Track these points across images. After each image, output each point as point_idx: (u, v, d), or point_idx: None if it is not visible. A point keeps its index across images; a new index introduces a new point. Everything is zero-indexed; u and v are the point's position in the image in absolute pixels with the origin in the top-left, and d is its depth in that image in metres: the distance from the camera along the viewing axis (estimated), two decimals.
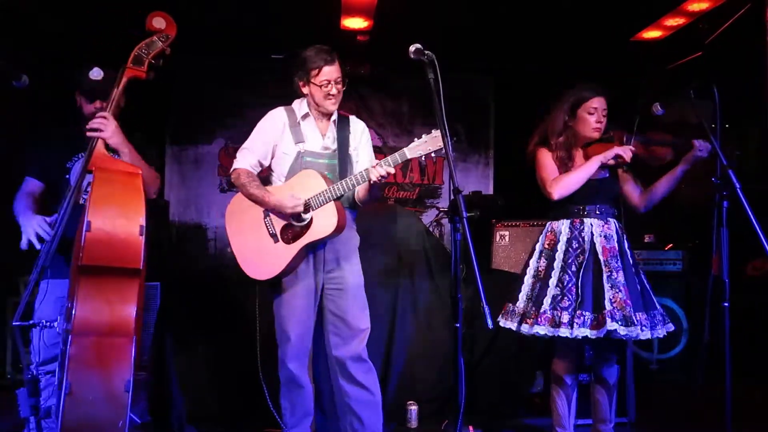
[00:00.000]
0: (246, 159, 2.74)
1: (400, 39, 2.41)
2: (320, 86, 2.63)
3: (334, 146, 2.74)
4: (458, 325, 1.88)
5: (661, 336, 2.70)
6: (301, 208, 2.56)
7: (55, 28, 4.35)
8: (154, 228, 4.32)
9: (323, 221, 2.57)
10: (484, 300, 1.77)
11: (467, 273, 2.84)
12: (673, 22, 4.72)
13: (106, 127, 2.33)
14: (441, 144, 2.38)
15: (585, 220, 2.77)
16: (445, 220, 5.04)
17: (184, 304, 3.48)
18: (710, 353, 2.64)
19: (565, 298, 2.67)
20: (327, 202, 2.56)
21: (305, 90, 2.70)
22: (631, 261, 2.76)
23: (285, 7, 4.47)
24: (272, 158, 2.76)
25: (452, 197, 1.92)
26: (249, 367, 3.41)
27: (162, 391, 3.36)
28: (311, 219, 2.59)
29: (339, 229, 2.58)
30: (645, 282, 2.77)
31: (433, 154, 2.42)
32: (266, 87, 5.73)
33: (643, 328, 2.62)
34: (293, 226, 2.62)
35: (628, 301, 2.63)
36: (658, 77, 5.07)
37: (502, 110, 6.16)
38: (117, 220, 2.11)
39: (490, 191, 6.16)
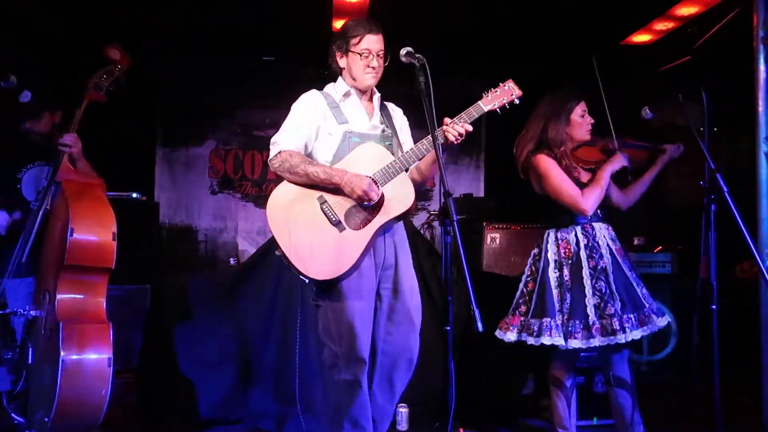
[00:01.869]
0: (291, 140, 2.39)
1: (392, 41, 2.42)
2: (360, 55, 2.40)
3: (383, 126, 2.50)
4: (449, 327, 1.88)
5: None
6: (376, 193, 2.28)
7: (53, 29, 4.35)
8: (144, 230, 4.34)
9: (399, 195, 2.29)
10: (474, 303, 1.77)
11: (458, 275, 2.84)
12: (663, 26, 4.76)
13: (74, 145, 2.76)
14: (515, 94, 2.33)
15: (594, 224, 2.79)
16: (435, 223, 5.04)
17: (174, 307, 3.46)
18: (699, 355, 2.66)
19: (608, 305, 2.67)
20: (397, 174, 2.31)
21: (342, 62, 2.46)
22: (630, 259, 2.85)
23: (276, 9, 4.47)
24: (315, 142, 2.46)
25: (443, 200, 1.92)
26: (239, 369, 3.41)
27: (153, 392, 3.35)
28: (382, 195, 2.31)
29: (414, 203, 2.33)
30: None
31: (507, 106, 2.33)
32: (258, 89, 5.74)
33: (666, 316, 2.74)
34: (361, 208, 2.33)
35: (651, 295, 2.74)
36: (647, 81, 5.11)
37: (492, 113, 6.17)
38: (94, 228, 2.58)
39: (481, 194, 6.17)
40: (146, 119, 5.66)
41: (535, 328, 2.72)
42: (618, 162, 2.82)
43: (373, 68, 2.42)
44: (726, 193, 2.36)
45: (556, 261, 2.78)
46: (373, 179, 2.31)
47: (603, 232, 2.79)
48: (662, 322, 2.68)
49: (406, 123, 2.63)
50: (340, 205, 2.33)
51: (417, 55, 2.15)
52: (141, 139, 5.63)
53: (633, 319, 2.65)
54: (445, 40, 4.71)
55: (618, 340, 2.61)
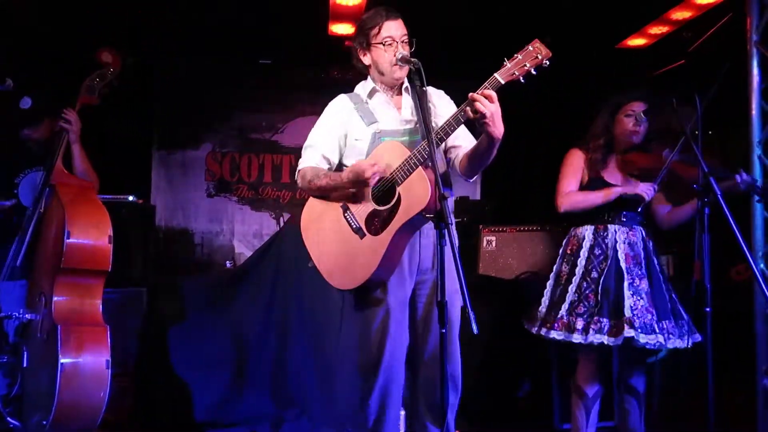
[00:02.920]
0: (309, 158, 2.34)
1: None
2: (383, 44, 2.23)
3: (414, 118, 2.29)
4: (444, 330, 1.89)
5: (690, 345, 2.65)
6: (381, 166, 2.12)
7: (50, 32, 4.36)
8: (140, 232, 4.33)
9: (414, 192, 2.11)
10: (469, 306, 1.77)
11: None
12: (658, 30, 4.79)
13: (75, 123, 2.80)
14: (542, 55, 1.98)
15: (609, 226, 2.75)
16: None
17: (170, 310, 3.46)
18: (694, 358, 2.67)
19: (581, 304, 2.67)
20: (413, 170, 2.11)
21: (366, 59, 2.31)
22: (657, 268, 2.76)
23: (273, 12, 4.48)
24: (344, 151, 2.35)
25: (438, 203, 1.92)
26: (235, 372, 3.41)
27: (149, 395, 3.35)
28: (398, 196, 2.15)
29: (434, 198, 2.07)
30: (672, 290, 2.76)
31: (534, 71, 2.00)
32: (254, 92, 5.74)
33: (670, 336, 2.60)
34: (379, 212, 2.20)
35: (651, 309, 2.63)
36: (642, 84, 5.13)
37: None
38: (90, 230, 2.59)
39: (478, 196, 6.18)
40: (142, 122, 5.66)
41: (529, 315, 2.90)
42: (633, 188, 2.71)
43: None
44: (720, 197, 2.37)
45: (562, 256, 2.85)
46: (391, 177, 2.17)
47: (618, 235, 2.74)
48: (630, 333, 2.54)
49: (446, 104, 2.39)
50: (361, 211, 2.24)
51: (412, 60, 2.14)
52: (137, 141, 5.63)
53: (604, 323, 2.60)
54: (443, 43, 4.72)
55: (572, 338, 2.63)
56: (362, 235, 2.21)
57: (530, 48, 2.02)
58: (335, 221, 2.28)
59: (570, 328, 2.65)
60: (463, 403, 3.21)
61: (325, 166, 2.35)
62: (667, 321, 2.64)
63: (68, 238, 2.51)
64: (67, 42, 4.33)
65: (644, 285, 2.68)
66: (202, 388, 3.33)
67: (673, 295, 2.76)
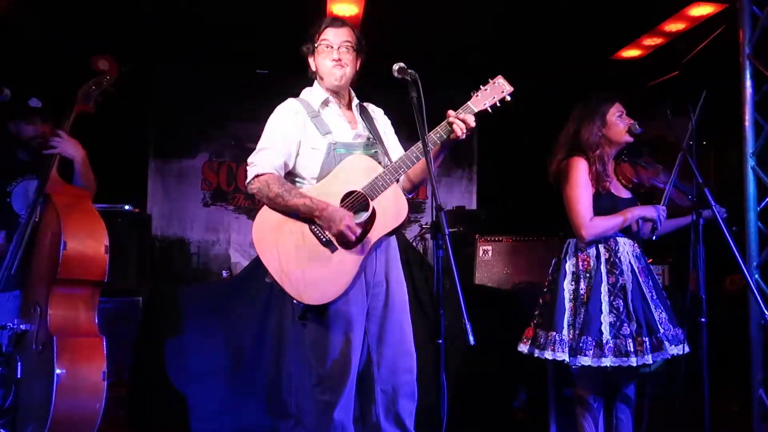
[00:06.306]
0: (269, 160, 2.22)
1: (385, 55, 2.43)
2: (324, 46, 2.27)
3: (367, 133, 2.34)
4: (441, 341, 1.88)
5: (687, 351, 2.61)
6: (357, 232, 2.13)
7: (47, 39, 4.37)
8: (135, 242, 4.33)
9: (392, 209, 2.16)
10: (465, 316, 1.77)
11: (450, 288, 2.84)
12: (651, 42, 4.84)
13: (59, 144, 2.73)
14: (506, 91, 2.23)
15: (618, 239, 2.66)
16: (428, 235, 5.06)
17: (166, 319, 3.45)
18: (689, 367, 2.67)
19: (624, 324, 2.55)
20: (388, 186, 2.17)
21: (313, 64, 2.35)
22: (656, 277, 2.73)
23: (270, 22, 4.50)
24: (297, 157, 2.30)
25: (435, 213, 1.92)
26: (231, 382, 3.39)
27: (144, 406, 3.33)
28: (373, 210, 2.17)
29: (408, 215, 2.21)
30: (666, 298, 2.73)
31: (499, 104, 2.22)
32: (250, 101, 5.77)
33: (684, 344, 2.59)
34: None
35: (669, 320, 2.62)
36: (636, 95, 5.18)
37: (485, 125, 6.21)
38: (87, 241, 2.57)
39: (474, 206, 6.20)
40: (138, 130, 5.67)
41: (542, 341, 2.64)
42: (649, 211, 2.64)
43: (336, 60, 2.26)
44: (714, 207, 2.39)
45: (573, 273, 2.67)
46: (364, 193, 2.18)
47: (627, 248, 2.66)
48: (674, 350, 2.54)
49: (389, 124, 2.49)
50: None
51: (409, 71, 2.13)
52: (133, 150, 5.64)
53: (647, 342, 2.54)
54: (437, 54, 4.75)
55: (630, 362, 2.50)
56: (333, 249, 2.15)
57: (496, 83, 2.26)
58: (299, 234, 2.17)
59: (621, 352, 2.52)
60: (458, 413, 3.21)
61: (283, 173, 2.27)
62: (677, 329, 2.63)
63: (64, 248, 2.48)
64: (63, 49, 4.33)
65: (656, 296, 2.66)
66: (197, 399, 3.31)
67: (667, 302, 2.76)
